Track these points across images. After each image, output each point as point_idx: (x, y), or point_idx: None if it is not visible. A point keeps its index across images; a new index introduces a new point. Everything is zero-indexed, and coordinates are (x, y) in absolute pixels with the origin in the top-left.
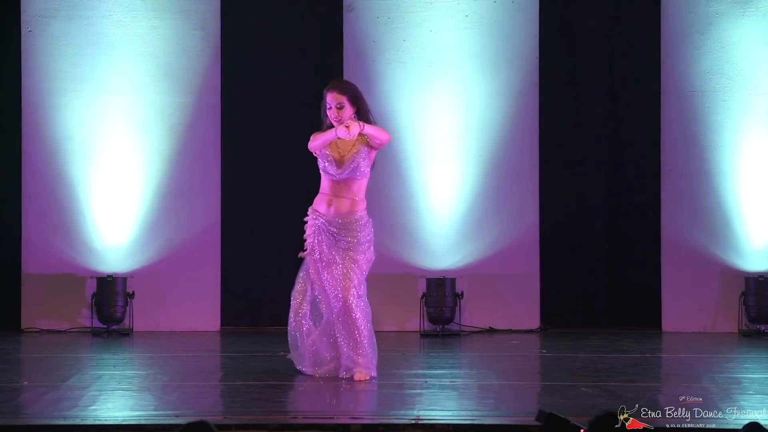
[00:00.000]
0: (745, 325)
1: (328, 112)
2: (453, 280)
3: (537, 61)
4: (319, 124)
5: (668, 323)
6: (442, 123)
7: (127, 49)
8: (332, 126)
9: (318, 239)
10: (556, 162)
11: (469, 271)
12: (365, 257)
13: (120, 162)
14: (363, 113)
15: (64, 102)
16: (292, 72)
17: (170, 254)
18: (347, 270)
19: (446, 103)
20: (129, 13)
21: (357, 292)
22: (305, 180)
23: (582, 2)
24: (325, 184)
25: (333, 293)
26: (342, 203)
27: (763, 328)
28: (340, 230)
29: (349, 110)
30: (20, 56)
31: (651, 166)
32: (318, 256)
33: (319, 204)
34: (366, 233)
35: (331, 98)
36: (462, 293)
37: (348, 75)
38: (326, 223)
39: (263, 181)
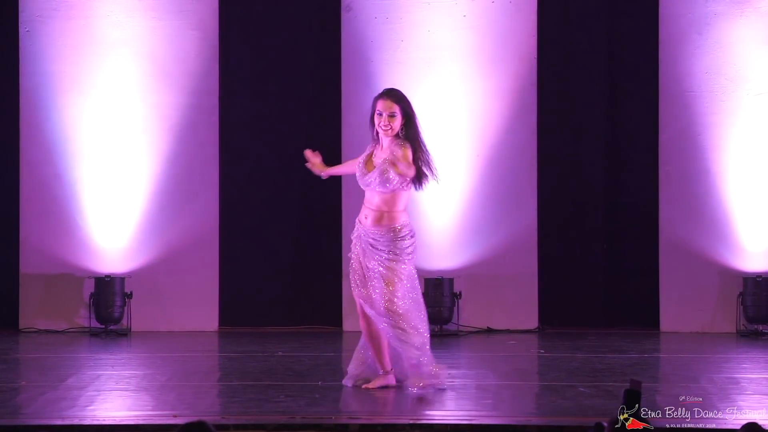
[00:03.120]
0: (743, 325)
1: (377, 119)
2: (451, 280)
3: (535, 61)
4: (318, 124)
5: (666, 323)
6: (440, 123)
7: (125, 50)
8: (377, 135)
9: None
10: (554, 162)
11: (467, 271)
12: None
13: (118, 162)
14: (409, 128)
15: (61, 102)
16: (290, 72)
17: (168, 254)
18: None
19: (444, 103)
20: (127, 14)
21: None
22: (303, 180)
23: (580, 2)
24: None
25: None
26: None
27: (761, 328)
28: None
29: (399, 122)
30: (18, 57)
31: (649, 166)
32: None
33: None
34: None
35: (383, 105)
36: (460, 293)
37: (346, 75)
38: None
39: (261, 181)
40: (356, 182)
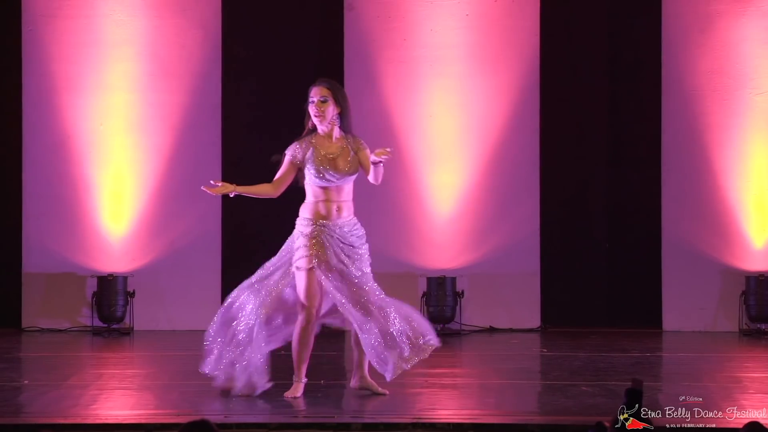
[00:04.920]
0: (746, 324)
1: (310, 107)
2: (453, 279)
3: (537, 60)
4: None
5: (669, 322)
6: (442, 122)
7: (128, 49)
8: (314, 127)
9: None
10: (556, 160)
11: (469, 270)
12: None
13: (120, 161)
14: (345, 117)
15: (64, 101)
16: (293, 71)
17: (171, 253)
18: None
19: (446, 102)
20: (129, 13)
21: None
22: None
23: (583, 1)
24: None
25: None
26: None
27: (763, 327)
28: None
29: (332, 108)
30: (21, 56)
31: (651, 164)
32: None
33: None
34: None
35: (315, 92)
36: (462, 292)
37: (349, 74)
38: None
39: (264, 180)
40: (357, 179)
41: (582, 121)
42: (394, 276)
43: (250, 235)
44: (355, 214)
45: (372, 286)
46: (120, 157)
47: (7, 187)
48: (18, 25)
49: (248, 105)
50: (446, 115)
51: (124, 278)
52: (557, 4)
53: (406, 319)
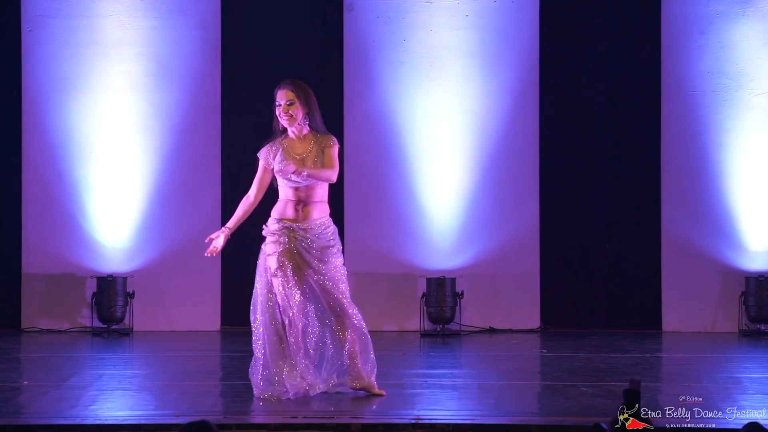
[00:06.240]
0: (746, 324)
1: (277, 110)
2: (453, 280)
3: (537, 61)
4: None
5: (668, 323)
6: (442, 123)
7: (128, 49)
8: (284, 129)
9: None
10: (556, 161)
11: (469, 270)
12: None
13: (120, 162)
14: (312, 116)
15: (64, 102)
16: (293, 72)
17: (170, 254)
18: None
19: (446, 103)
20: (129, 13)
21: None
22: None
23: (582, 2)
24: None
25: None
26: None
27: (763, 328)
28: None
29: (300, 110)
30: (20, 56)
31: (651, 165)
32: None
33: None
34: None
35: (281, 95)
36: (462, 293)
37: (348, 74)
38: (296, 230)
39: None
40: (358, 180)
41: (582, 121)
42: (393, 277)
43: (250, 235)
44: (356, 214)
45: (339, 295)
46: (119, 157)
47: (7, 188)
48: (18, 25)
49: (248, 105)
50: (446, 115)
51: (124, 279)
52: (557, 4)
53: (344, 347)
